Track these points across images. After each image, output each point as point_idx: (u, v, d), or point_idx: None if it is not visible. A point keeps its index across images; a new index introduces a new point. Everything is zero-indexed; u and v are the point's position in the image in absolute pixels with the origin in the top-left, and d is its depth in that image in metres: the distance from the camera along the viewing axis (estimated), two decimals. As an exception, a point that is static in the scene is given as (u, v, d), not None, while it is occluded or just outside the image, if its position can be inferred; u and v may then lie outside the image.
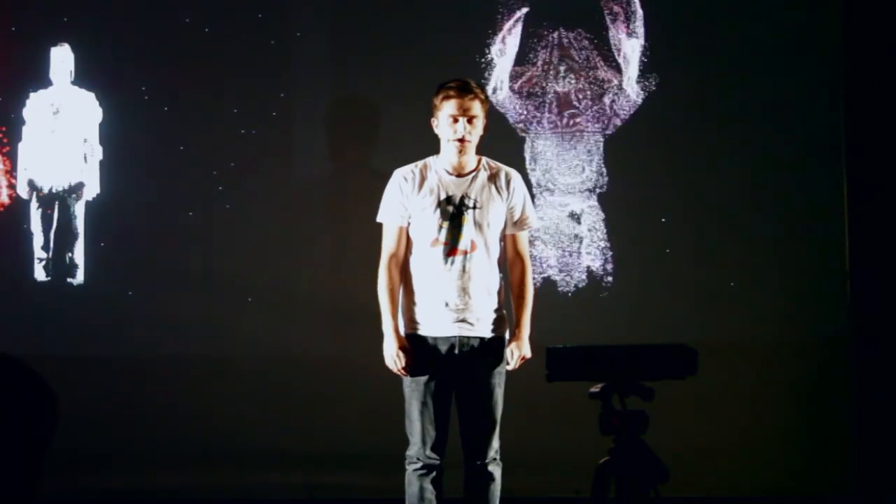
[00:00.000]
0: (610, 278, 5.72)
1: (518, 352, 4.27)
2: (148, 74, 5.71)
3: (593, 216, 5.74)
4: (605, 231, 5.74)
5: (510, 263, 4.38)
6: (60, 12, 5.73)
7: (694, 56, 5.75)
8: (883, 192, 5.77)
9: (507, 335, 4.33)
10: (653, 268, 5.72)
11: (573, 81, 5.74)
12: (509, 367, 4.29)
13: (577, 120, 5.75)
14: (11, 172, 5.68)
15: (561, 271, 5.71)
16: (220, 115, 5.70)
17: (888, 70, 5.76)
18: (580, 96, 5.74)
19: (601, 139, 5.75)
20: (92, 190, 5.69)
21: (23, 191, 5.68)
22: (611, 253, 5.73)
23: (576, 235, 5.73)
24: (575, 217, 5.73)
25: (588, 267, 5.72)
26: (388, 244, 4.34)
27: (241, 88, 5.71)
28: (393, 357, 4.25)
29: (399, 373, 4.28)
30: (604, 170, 5.74)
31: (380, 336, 4.33)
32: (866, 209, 5.75)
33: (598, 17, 5.78)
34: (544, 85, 5.73)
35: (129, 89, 5.72)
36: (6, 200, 5.67)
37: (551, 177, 5.73)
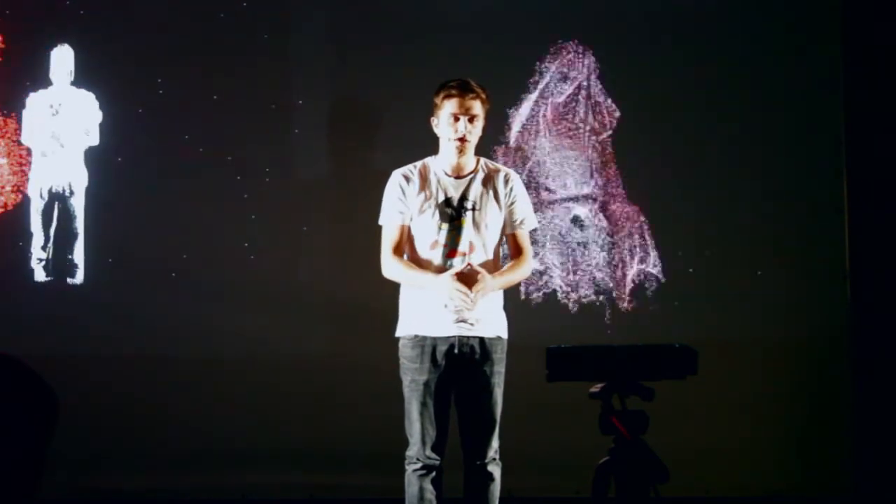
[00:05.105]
0: (611, 279, 5.72)
1: (483, 279, 4.16)
2: (147, 75, 5.71)
3: (594, 220, 5.74)
4: (605, 234, 5.74)
5: (512, 257, 4.38)
6: (61, 12, 5.72)
7: (693, 57, 5.76)
8: (883, 192, 5.77)
9: (506, 335, 4.32)
10: (653, 268, 5.72)
11: (572, 88, 5.74)
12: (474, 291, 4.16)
13: (577, 124, 5.75)
14: (13, 173, 5.68)
15: (562, 274, 5.71)
16: (220, 116, 5.70)
17: (888, 70, 5.76)
18: (580, 101, 5.75)
19: (601, 143, 5.75)
20: (92, 190, 5.68)
21: (24, 191, 5.68)
22: (611, 255, 5.73)
23: (579, 242, 5.73)
24: (577, 222, 5.73)
25: (589, 269, 5.72)
26: (391, 239, 4.30)
27: (241, 88, 5.70)
28: (453, 289, 4.14)
29: (468, 298, 4.13)
30: (603, 174, 5.74)
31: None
32: (866, 209, 5.75)
33: (597, 30, 5.79)
34: (545, 95, 5.75)
35: (128, 90, 5.71)
36: (11, 200, 5.67)
37: (551, 182, 5.73)
